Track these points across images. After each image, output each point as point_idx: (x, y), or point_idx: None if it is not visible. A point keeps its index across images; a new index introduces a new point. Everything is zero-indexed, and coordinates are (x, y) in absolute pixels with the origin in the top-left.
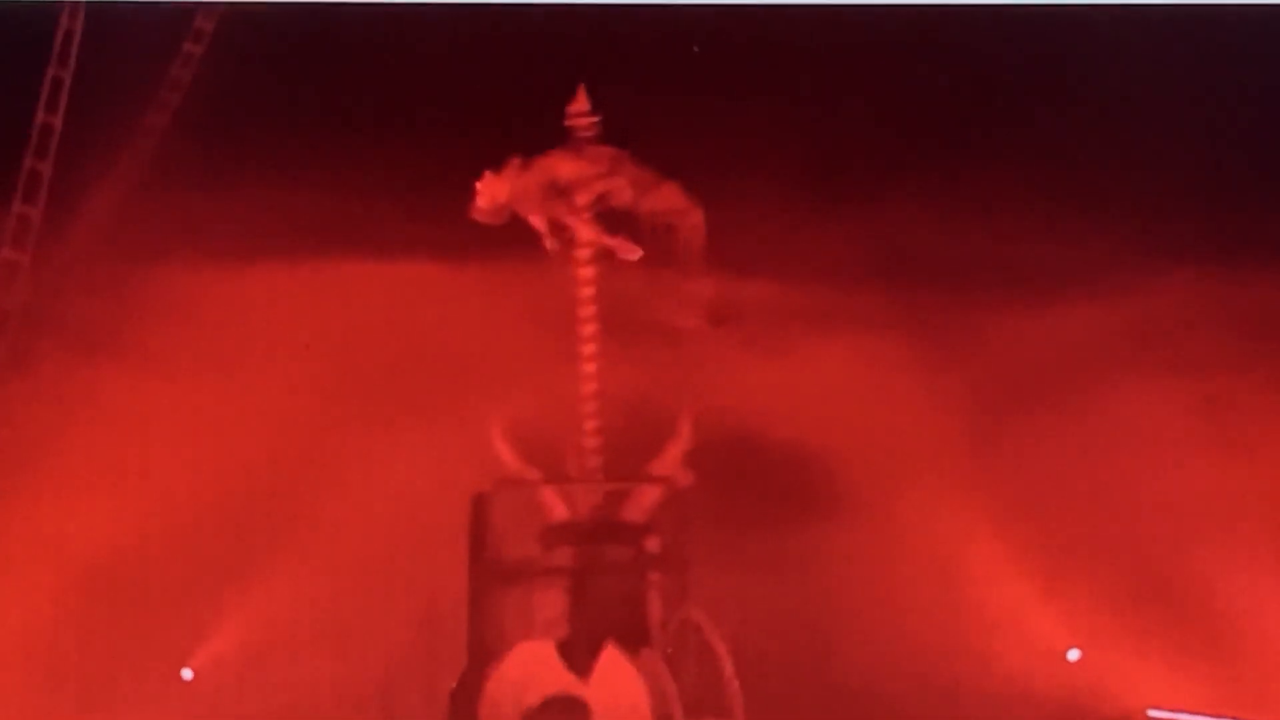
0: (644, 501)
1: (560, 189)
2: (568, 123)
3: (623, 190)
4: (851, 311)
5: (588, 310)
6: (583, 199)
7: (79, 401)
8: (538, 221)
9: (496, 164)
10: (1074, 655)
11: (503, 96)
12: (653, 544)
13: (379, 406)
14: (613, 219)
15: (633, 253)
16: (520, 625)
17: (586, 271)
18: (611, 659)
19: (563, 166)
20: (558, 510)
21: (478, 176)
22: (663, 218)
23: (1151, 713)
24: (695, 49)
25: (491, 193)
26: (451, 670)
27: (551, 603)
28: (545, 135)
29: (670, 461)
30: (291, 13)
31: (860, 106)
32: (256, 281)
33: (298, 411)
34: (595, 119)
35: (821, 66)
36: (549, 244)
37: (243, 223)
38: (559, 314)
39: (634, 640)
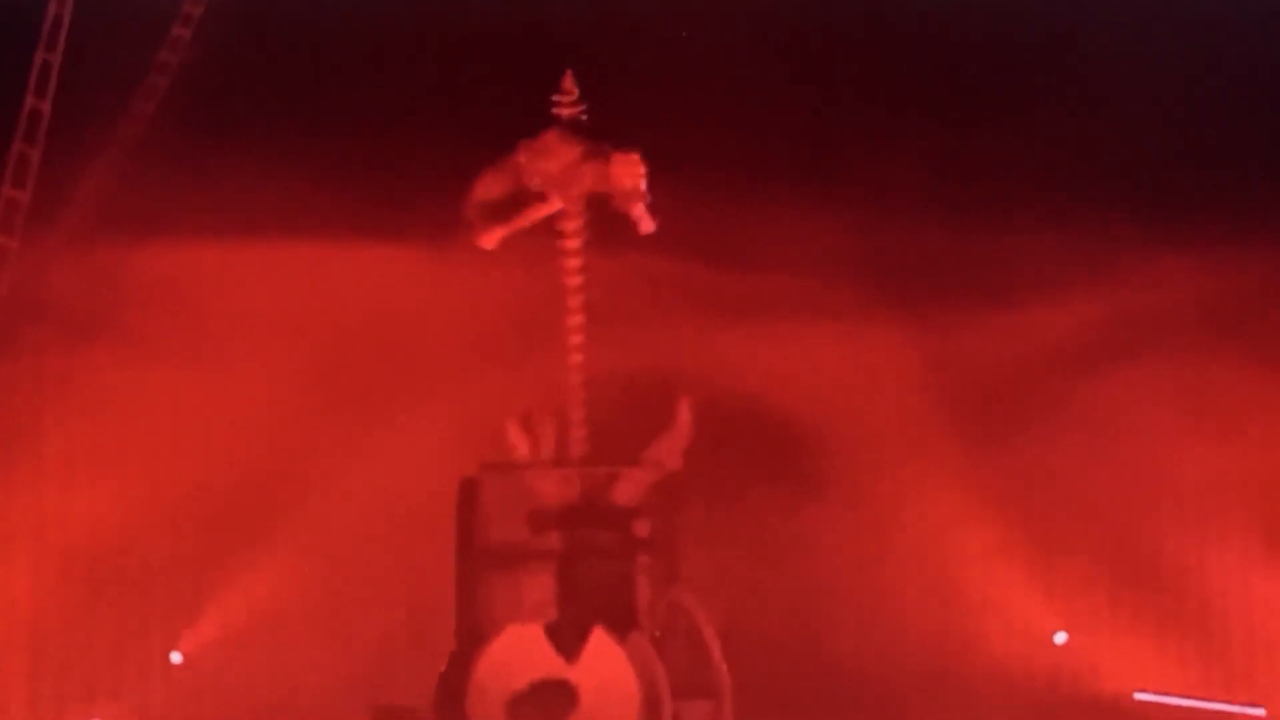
0: (633, 485)
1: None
2: (556, 110)
3: None
4: (842, 299)
5: (576, 300)
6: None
7: (67, 386)
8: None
9: (486, 149)
10: (1061, 638)
11: (490, 81)
12: (641, 528)
13: (367, 391)
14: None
15: (649, 226)
16: (508, 609)
17: (574, 261)
18: (600, 642)
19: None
20: (546, 494)
21: (467, 162)
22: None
23: (1138, 695)
24: (684, 34)
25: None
26: (440, 653)
27: (540, 586)
28: (532, 121)
29: (669, 451)
30: None
31: (854, 94)
32: (245, 266)
33: (285, 396)
34: (583, 105)
35: (814, 53)
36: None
37: (231, 207)
38: (545, 298)
39: (622, 624)
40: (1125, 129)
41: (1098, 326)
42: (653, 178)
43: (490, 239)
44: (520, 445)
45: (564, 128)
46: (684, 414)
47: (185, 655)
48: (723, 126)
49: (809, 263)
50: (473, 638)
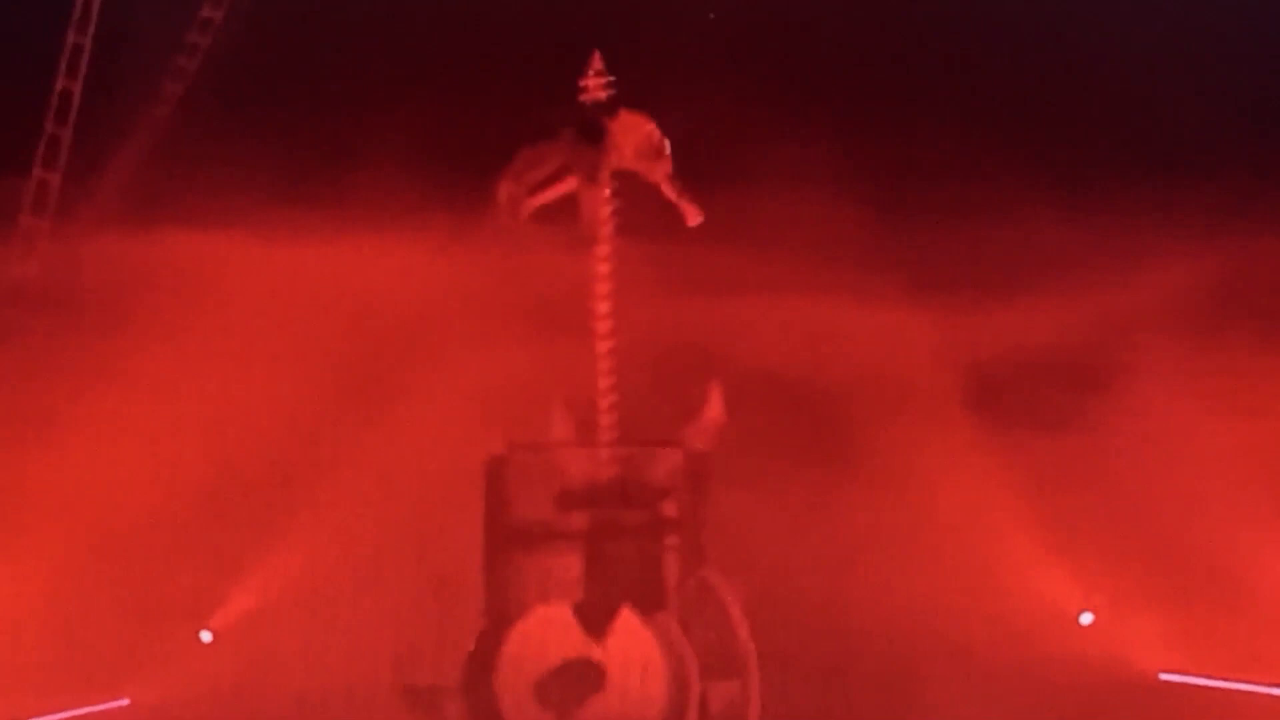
0: (660, 465)
1: None
2: (592, 93)
3: None
4: (871, 282)
5: (605, 282)
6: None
7: (97, 367)
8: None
9: (513, 134)
10: (1087, 619)
11: (515, 66)
12: (669, 508)
13: (393, 370)
14: None
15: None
16: (536, 589)
17: (604, 248)
18: (627, 622)
19: None
20: (573, 474)
21: (493, 148)
22: None
23: (1164, 676)
24: (711, 15)
25: None
26: (468, 634)
27: (567, 566)
28: (559, 103)
29: (700, 435)
30: None
31: (877, 77)
32: (273, 249)
33: (313, 375)
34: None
35: (832, 42)
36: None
37: (259, 191)
38: (570, 277)
39: (650, 603)
40: (1148, 104)
41: (1121, 305)
42: (683, 160)
43: (695, 216)
44: (562, 426)
45: (631, 107)
46: (715, 398)
47: (215, 634)
48: (746, 110)
49: (840, 246)
50: (501, 618)
